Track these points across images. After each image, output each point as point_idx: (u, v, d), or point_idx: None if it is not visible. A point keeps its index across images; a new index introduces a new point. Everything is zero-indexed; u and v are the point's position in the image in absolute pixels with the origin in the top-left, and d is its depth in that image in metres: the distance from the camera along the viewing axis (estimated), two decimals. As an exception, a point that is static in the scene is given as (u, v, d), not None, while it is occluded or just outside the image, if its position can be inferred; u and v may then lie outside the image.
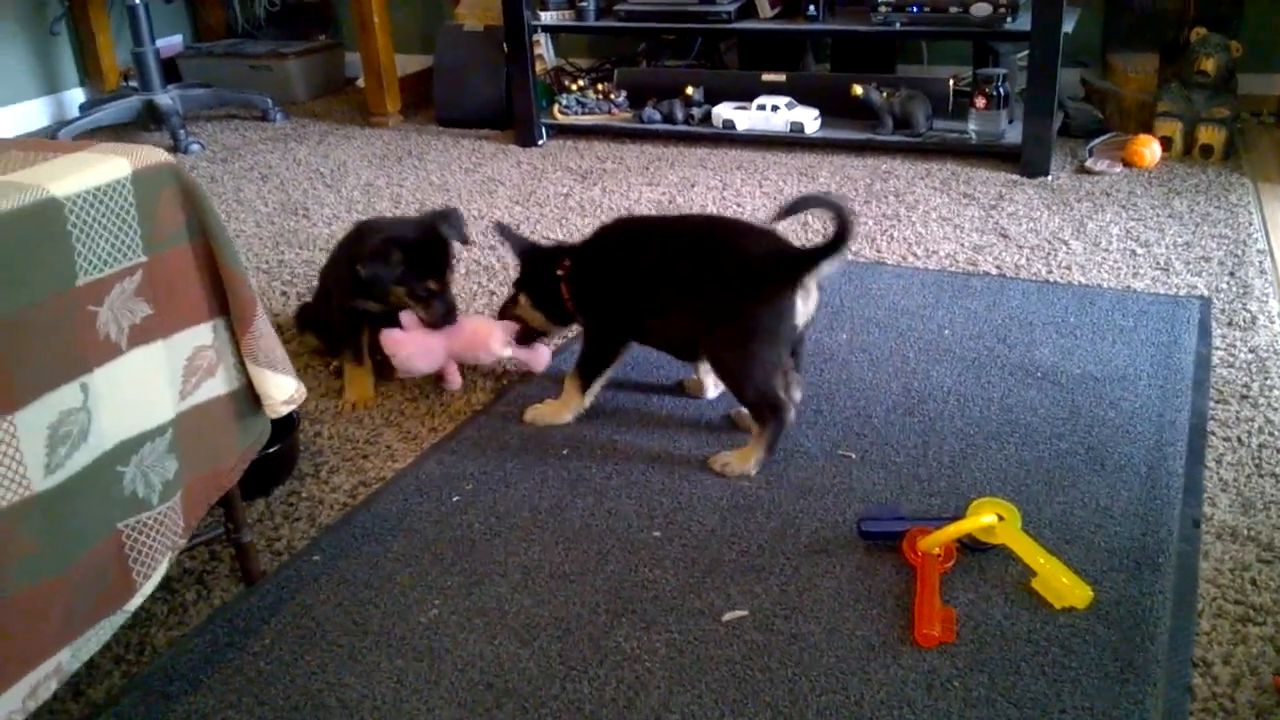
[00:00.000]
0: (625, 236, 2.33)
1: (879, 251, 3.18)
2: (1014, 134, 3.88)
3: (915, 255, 3.15)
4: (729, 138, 4.21)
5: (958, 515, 1.88)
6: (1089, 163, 3.82)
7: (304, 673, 1.69)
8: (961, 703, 1.57)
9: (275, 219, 3.68)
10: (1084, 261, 3.05)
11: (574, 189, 3.85)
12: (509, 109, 4.43)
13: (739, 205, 3.59)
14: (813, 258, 2.05)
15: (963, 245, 3.19)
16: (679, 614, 1.77)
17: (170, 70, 5.22)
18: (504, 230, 2.50)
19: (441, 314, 2.41)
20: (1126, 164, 3.82)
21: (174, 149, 4.45)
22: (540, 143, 4.38)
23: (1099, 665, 1.63)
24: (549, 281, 2.35)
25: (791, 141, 4.15)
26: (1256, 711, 1.55)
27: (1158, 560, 1.84)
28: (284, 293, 3.09)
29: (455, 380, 2.51)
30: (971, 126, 3.95)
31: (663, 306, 2.20)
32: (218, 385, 1.71)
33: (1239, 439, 2.18)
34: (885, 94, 4.04)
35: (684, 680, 1.63)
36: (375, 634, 1.76)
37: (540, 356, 2.55)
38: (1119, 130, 4.08)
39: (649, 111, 4.32)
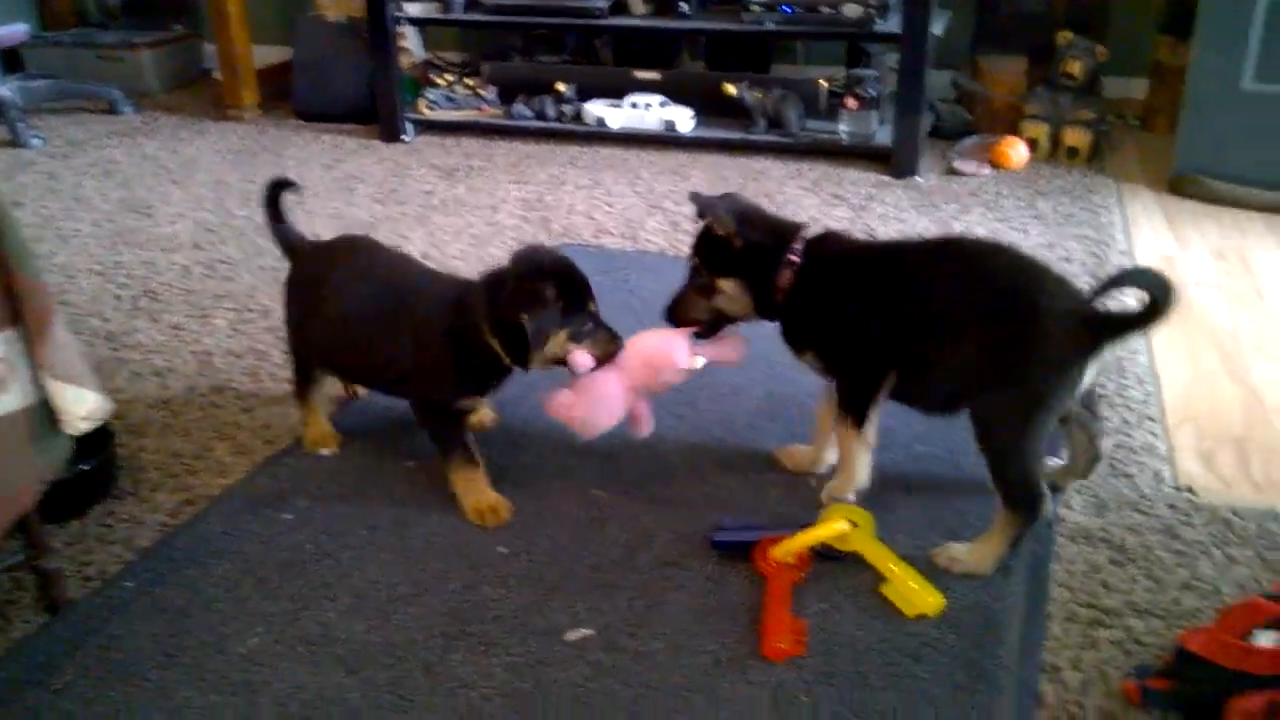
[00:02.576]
0: (883, 257, 1.97)
1: (747, 252, 3.13)
2: (885, 135, 3.88)
3: (783, 255, 3.10)
4: (601, 136, 4.13)
5: (811, 523, 1.82)
6: (957, 164, 3.84)
7: (107, 711, 1.55)
8: (809, 718, 1.51)
9: (115, 217, 3.47)
10: (949, 262, 3.04)
11: (438, 187, 3.72)
12: (373, 104, 4.27)
13: (609, 205, 3.51)
14: (1123, 326, 1.73)
15: (831, 245, 3.16)
16: (520, 635, 1.67)
17: (13, 60, 4.92)
18: (699, 197, 1.98)
19: (613, 340, 1.92)
20: (994, 165, 3.85)
21: (13, 144, 4.18)
22: (405, 139, 4.23)
23: (948, 675, 1.58)
24: (770, 268, 1.91)
25: (665, 140, 4.09)
26: (1104, 717, 1.52)
27: (1009, 564, 1.81)
28: (117, 295, 2.90)
29: (647, 421, 1.99)
30: (843, 127, 3.94)
31: (927, 349, 1.82)
32: (10, 401, 1.56)
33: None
34: (759, 94, 4.01)
35: (521, 706, 1.54)
36: (188, 666, 1.62)
37: (736, 346, 2.02)
38: (988, 132, 4.11)
39: (519, 108, 4.21)
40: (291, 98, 4.60)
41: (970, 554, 1.80)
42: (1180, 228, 3.36)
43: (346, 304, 2.00)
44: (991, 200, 3.53)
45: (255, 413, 2.32)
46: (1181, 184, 3.64)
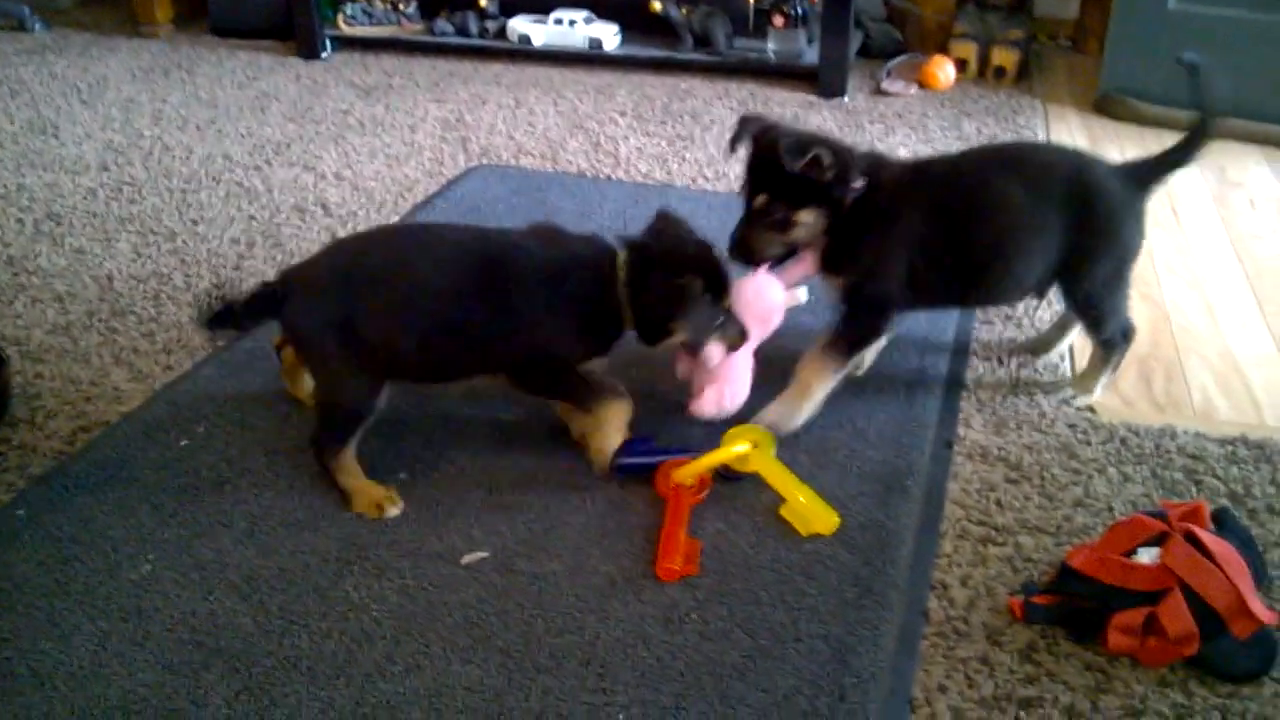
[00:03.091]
0: (945, 171, 2.00)
1: (669, 173, 3.10)
2: (813, 54, 3.83)
3: (705, 177, 3.07)
4: (525, 53, 4.04)
5: (713, 445, 1.82)
6: (885, 84, 3.81)
7: (-9, 641, 1.53)
8: (698, 635, 1.53)
9: (20, 139, 3.34)
10: (870, 183, 3.03)
11: (355, 105, 3.62)
12: (291, 20, 4.13)
13: (530, 125, 3.45)
14: (1165, 165, 1.97)
15: (753, 166, 3.13)
16: (415, 559, 1.66)
17: (-87, -26, 4.68)
18: (779, 132, 1.88)
19: (742, 334, 1.88)
20: (922, 85, 3.83)
21: (-87, 61, 4.00)
22: (324, 56, 4.11)
23: (838, 592, 1.61)
24: (842, 192, 1.87)
25: (590, 58, 4.01)
26: (988, 633, 1.55)
27: (906, 483, 1.83)
28: (19, 219, 2.80)
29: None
30: (770, 46, 3.88)
31: (1007, 247, 1.92)
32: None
33: (999, 359, 2.20)
34: (685, 10, 3.93)
35: (412, 629, 1.53)
36: (79, 594, 1.60)
37: (803, 262, 1.99)
38: (918, 51, 4.08)
39: (441, 24, 4.10)
40: (208, 13, 4.44)
41: (1081, 387, 2.08)
42: (1103, 148, 3.35)
43: (436, 285, 1.74)
44: (916, 121, 3.51)
45: (155, 338, 2.26)
46: (1107, 104, 3.64)
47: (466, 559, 1.66)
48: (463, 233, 1.89)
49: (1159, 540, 1.55)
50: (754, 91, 3.77)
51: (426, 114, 3.54)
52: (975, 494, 1.83)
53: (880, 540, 1.71)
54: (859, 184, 1.88)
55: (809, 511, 1.74)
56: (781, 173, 1.83)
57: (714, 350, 1.85)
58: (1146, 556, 1.54)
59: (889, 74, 3.88)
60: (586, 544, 1.70)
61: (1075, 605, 1.55)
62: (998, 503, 1.81)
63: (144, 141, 3.32)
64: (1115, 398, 2.12)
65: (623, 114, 3.55)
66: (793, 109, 3.60)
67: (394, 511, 1.75)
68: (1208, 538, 1.52)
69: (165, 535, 1.71)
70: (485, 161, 3.16)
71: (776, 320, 1.97)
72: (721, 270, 1.80)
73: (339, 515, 1.76)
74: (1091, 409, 2.06)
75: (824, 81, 3.73)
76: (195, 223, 2.79)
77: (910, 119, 3.53)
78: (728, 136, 2.01)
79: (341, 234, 2.71)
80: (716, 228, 2.69)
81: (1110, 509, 1.79)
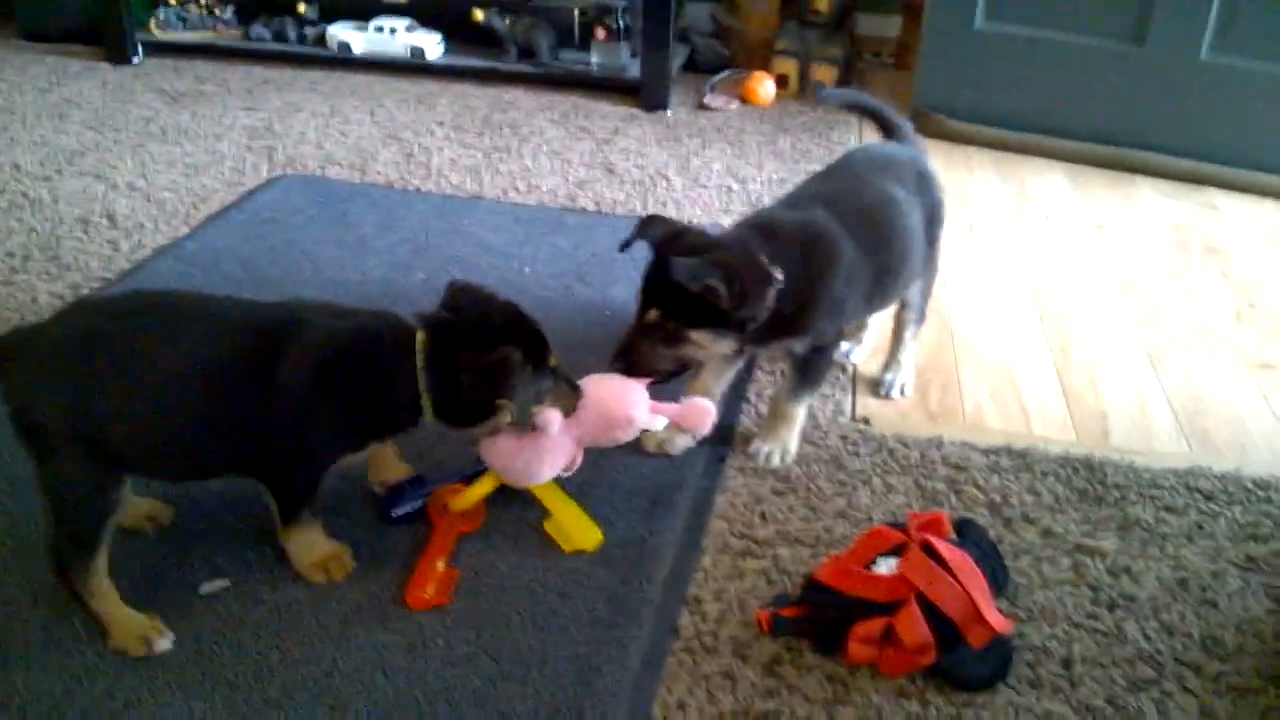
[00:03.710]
0: (848, 198, 1.97)
1: (480, 186, 3.06)
2: (636, 68, 3.84)
3: (518, 190, 3.05)
4: (344, 61, 3.95)
5: (481, 469, 1.77)
6: (707, 99, 3.84)
7: None
8: (440, 662, 1.49)
9: None
10: (680, 198, 3.05)
11: (161, 113, 3.49)
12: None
13: (343, 133, 3.37)
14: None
15: (567, 180, 3.12)
16: (152, 588, 1.59)
17: None
18: (650, 225, 1.86)
19: (574, 394, 1.70)
20: (744, 101, 3.88)
21: None
22: (135, 61, 3.94)
23: (591, 611, 1.59)
24: (756, 307, 1.77)
25: (412, 67, 3.94)
26: (735, 647, 1.55)
27: (673, 498, 1.83)
28: None
29: (577, 463, 1.77)
30: (594, 59, 3.88)
31: (912, 247, 2.05)
32: None
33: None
34: (509, 21, 3.90)
35: (138, 663, 1.46)
36: None
37: (701, 414, 1.84)
38: (744, 67, 4.13)
39: (258, 29, 3.98)
40: (15, 16, 4.21)
41: (895, 366, 2.25)
42: (910, 165, 3.45)
43: (182, 364, 1.48)
44: (735, 136, 3.55)
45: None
46: (918, 121, 3.72)
47: (205, 588, 1.59)
48: (230, 304, 1.60)
49: (899, 551, 1.58)
50: (577, 104, 3.76)
51: (235, 122, 3.42)
52: (742, 507, 1.84)
53: (640, 556, 1.70)
54: (770, 301, 1.76)
55: (572, 528, 1.72)
56: (678, 289, 1.70)
57: (551, 417, 1.64)
58: (885, 567, 1.56)
59: (712, 89, 3.92)
60: (337, 570, 1.65)
61: (821, 617, 1.56)
62: (762, 515, 1.82)
63: (-76, 148, 3.13)
64: (892, 409, 2.16)
65: (441, 124, 3.50)
66: (614, 122, 3.60)
67: (164, 645, 1.49)
68: (945, 548, 1.56)
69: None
70: (290, 172, 3.07)
71: (622, 433, 1.76)
72: (537, 331, 1.62)
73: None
74: (867, 421, 2.10)
75: (646, 95, 3.74)
76: (-31, 235, 2.64)
77: (729, 133, 3.57)
78: (622, 237, 1.90)
79: (125, 247, 2.59)
80: (518, 241, 2.70)
81: (870, 519, 1.82)
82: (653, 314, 1.78)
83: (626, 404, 1.74)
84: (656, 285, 1.77)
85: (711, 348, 1.80)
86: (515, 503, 1.78)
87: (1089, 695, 1.51)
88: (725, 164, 3.30)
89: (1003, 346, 2.42)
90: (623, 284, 2.51)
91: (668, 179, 3.16)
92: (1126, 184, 3.36)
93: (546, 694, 1.45)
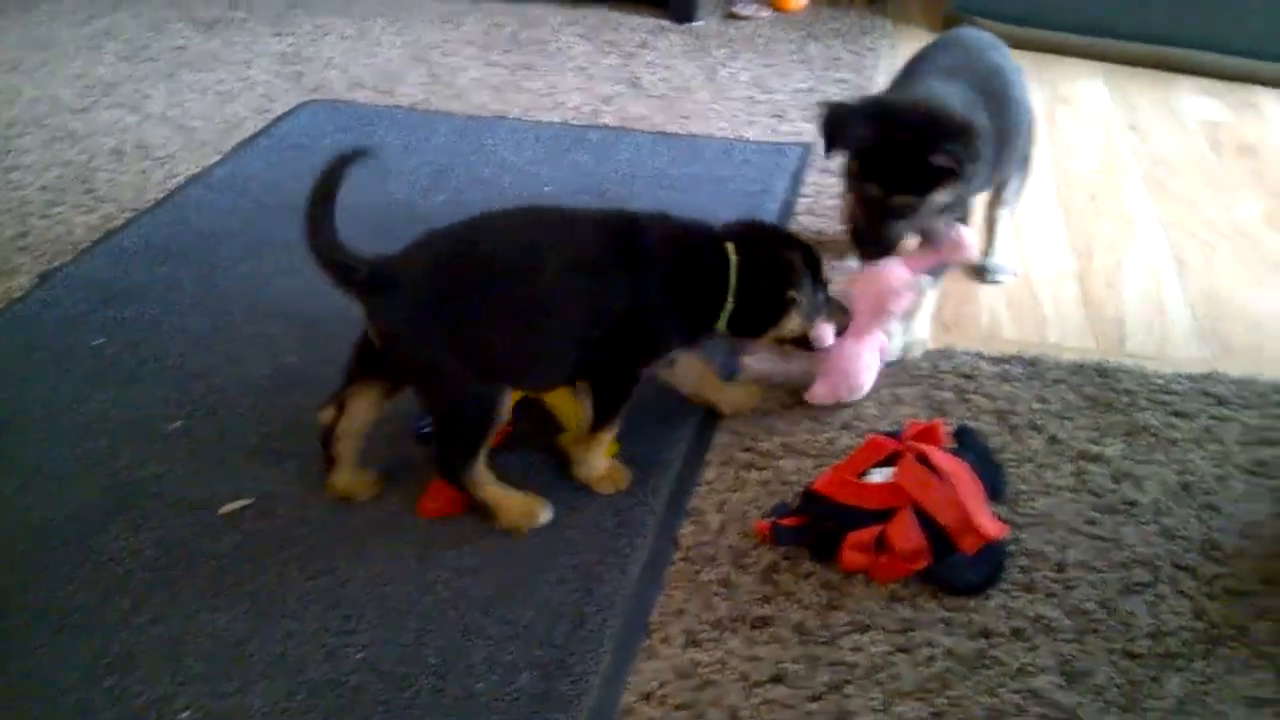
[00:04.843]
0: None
1: (504, 104, 3.07)
2: (665, -23, 3.79)
3: (542, 108, 3.05)
4: (373, -18, 3.94)
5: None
6: (737, 7, 3.78)
7: None
8: (450, 571, 1.56)
9: None
10: (705, 111, 3.03)
11: (193, 41, 3.53)
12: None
13: (370, 57, 3.38)
14: None
15: (591, 96, 3.11)
16: (178, 509, 1.67)
17: None
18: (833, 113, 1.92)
19: (845, 311, 1.84)
20: (775, 7, 3.81)
21: None
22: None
23: (598, 522, 1.65)
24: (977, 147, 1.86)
25: (440, -15, 3.93)
26: (734, 555, 1.60)
27: (685, 413, 1.86)
28: None
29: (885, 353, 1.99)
30: (622, -31, 3.83)
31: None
32: None
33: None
34: (535, -66, 3.85)
35: (164, 579, 1.55)
36: None
37: (958, 240, 1.96)
38: (776, -28, 4.04)
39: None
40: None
41: None
42: (943, 68, 3.38)
43: (554, 274, 1.59)
44: (764, 45, 3.50)
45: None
46: (954, 23, 3.64)
47: (225, 509, 1.67)
48: (574, 213, 1.71)
49: (893, 460, 1.60)
50: (606, 17, 3.72)
51: (266, 48, 3.46)
52: (749, 421, 1.87)
53: (646, 472, 1.74)
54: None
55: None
56: (907, 163, 1.83)
57: (825, 331, 1.79)
58: (879, 476, 1.59)
59: (743, -4, 3.86)
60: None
61: (817, 526, 1.60)
62: (768, 429, 1.85)
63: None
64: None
65: (468, 43, 3.50)
66: (642, 34, 3.57)
67: (546, 516, 1.64)
68: (939, 456, 1.58)
69: (-73, 493, 1.70)
70: (318, 97, 3.10)
71: (896, 306, 1.88)
72: (813, 249, 1.79)
73: (109, 466, 1.75)
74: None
75: (675, 5, 3.69)
76: (11, 170, 2.72)
77: (758, 43, 3.52)
78: (820, 135, 1.94)
79: (158, 176, 2.66)
80: (540, 159, 2.72)
81: (875, 430, 1.84)
82: (874, 189, 1.87)
83: (883, 279, 1.87)
84: (880, 165, 1.85)
85: (944, 202, 1.88)
86: (530, 420, 1.82)
87: (1081, 599, 1.53)
88: (753, 75, 3.27)
89: (1024, 255, 2.40)
90: (643, 200, 2.52)
91: (692, 92, 3.14)
92: (1165, 84, 3.26)
93: (551, 601, 1.51)
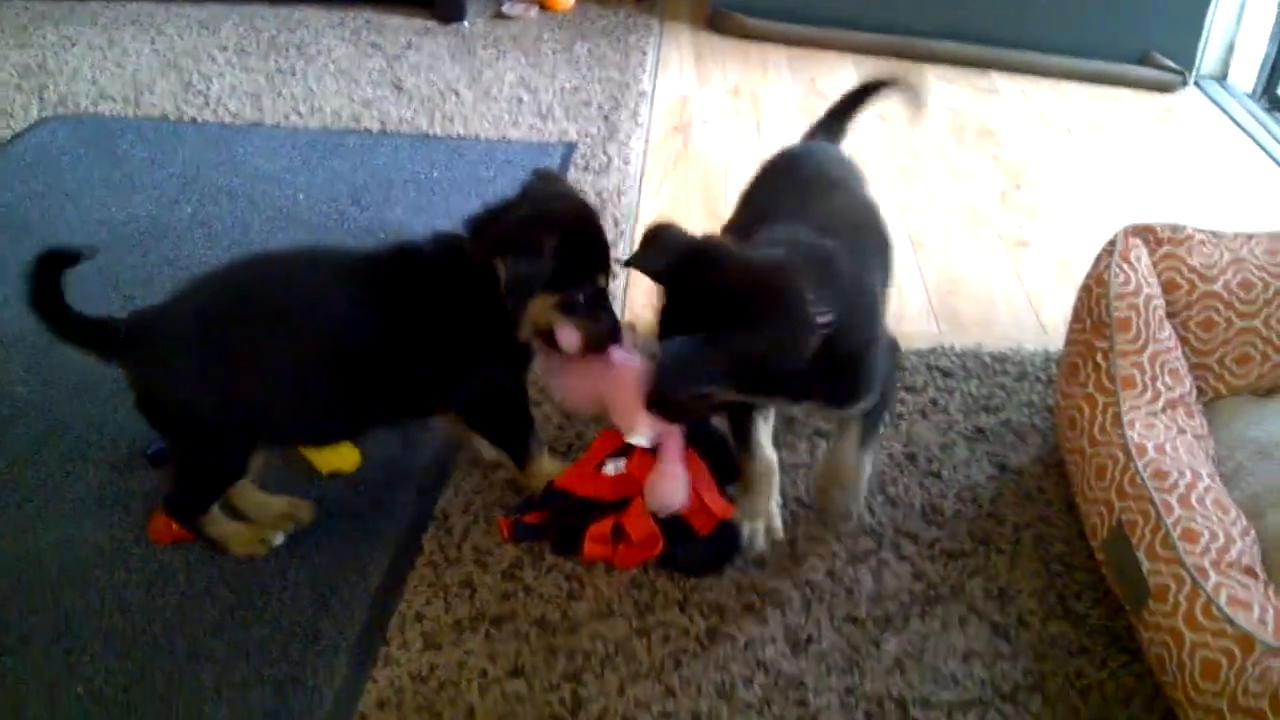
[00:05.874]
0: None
1: (260, 111, 2.98)
2: (432, -22, 3.76)
3: (298, 114, 2.98)
4: (123, -12, 3.78)
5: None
6: (505, 7, 3.78)
7: None
8: (180, 597, 1.52)
9: None
10: (469, 113, 3.02)
11: (-83, 54, 3.30)
12: None
13: (119, 66, 3.23)
14: None
15: (352, 100, 3.06)
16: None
17: None
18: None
19: (612, 333, 1.57)
20: (544, 7, 3.83)
21: None
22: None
23: (336, 535, 1.63)
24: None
25: (196, -9, 3.79)
26: (477, 555, 1.61)
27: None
28: None
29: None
30: (385, -30, 3.78)
31: None
32: None
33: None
34: (295, -64, 3.76)
35: None
36: None
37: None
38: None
39: (25, -41, 3.76)
40: None
41: None
42: (706, 66, 3.48)
43: (321, 309, 1.51)
44: (531, 45, 3.52)
45: None
46: (717, 20, 3.76)
47: (-69, 544, 1.58)
48: (350, 253, 1.60)
49: (627, 451, 1.64)
50: (371, 19, 3.66)
51: (5, 61, 3.26)
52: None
53: (395, 477, 1.74)
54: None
55: (331, 450, 1.74)
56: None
57: (566, 334, 1.55)
58: (612, 467, 1.63)
59: (511, -4, 3.87)
60: (81, 514, 1.65)
61: (560, 520, 1.63)
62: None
63: None
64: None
65: (224, 49, 3.38)
66: (407, 36, 3.53)
67: (278, 540, 1.61)
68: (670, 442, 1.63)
69: None
70: (62, 110, 2.95)
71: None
72: (596, 240, 1.55)
73: None
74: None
75: (441, 6, 3.67)
76: None
77: (525, 43, 3.53)
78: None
79: (-127, 201, 2.48)
80: (294, 166, 2.67)
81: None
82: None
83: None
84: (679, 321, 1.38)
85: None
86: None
87: (809, 571, 1.61)
88: (519, 75, 3.28)
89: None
90: (400, 206, 2.51)
91: (457, 93, 3.13)
92: (913, 74, 3.44)
93: (284, 619, 1.49)
